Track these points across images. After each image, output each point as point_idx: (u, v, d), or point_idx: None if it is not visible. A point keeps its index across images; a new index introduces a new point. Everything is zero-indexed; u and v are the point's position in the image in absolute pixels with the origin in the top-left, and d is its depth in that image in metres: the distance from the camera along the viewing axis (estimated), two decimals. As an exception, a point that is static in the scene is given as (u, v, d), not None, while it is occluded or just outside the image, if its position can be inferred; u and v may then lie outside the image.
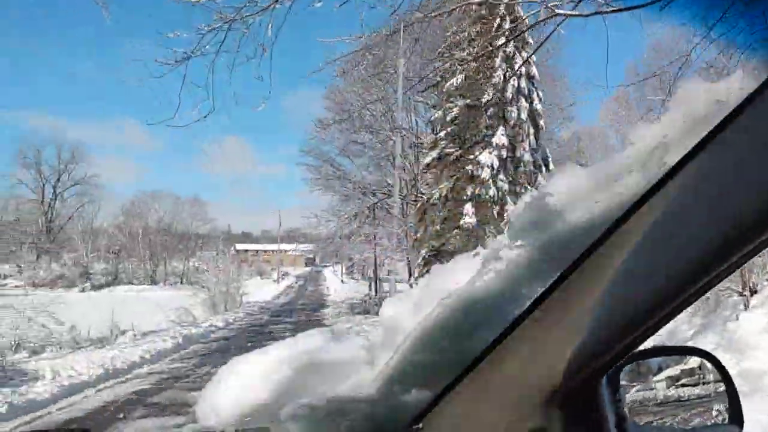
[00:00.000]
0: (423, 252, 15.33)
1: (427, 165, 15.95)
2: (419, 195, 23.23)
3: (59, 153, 74.86)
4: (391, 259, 40.37)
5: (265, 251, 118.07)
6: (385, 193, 26.89)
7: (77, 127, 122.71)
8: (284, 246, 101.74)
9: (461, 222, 14.15)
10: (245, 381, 1.55)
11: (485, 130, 15.17)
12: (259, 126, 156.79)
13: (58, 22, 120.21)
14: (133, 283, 67.34)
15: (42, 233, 72.40)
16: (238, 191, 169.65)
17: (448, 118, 15.40)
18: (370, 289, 56.80)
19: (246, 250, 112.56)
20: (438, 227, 14.77)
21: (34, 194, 74.93)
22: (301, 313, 29.99)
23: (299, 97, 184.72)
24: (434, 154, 15.57)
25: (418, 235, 17.36)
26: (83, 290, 64.94)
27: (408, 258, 31.82)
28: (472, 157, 14.87)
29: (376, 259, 36.46)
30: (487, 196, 14.37)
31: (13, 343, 18.58)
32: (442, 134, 15.66)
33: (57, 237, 73.51)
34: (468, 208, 14.37)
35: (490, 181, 14.54)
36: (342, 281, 65.37)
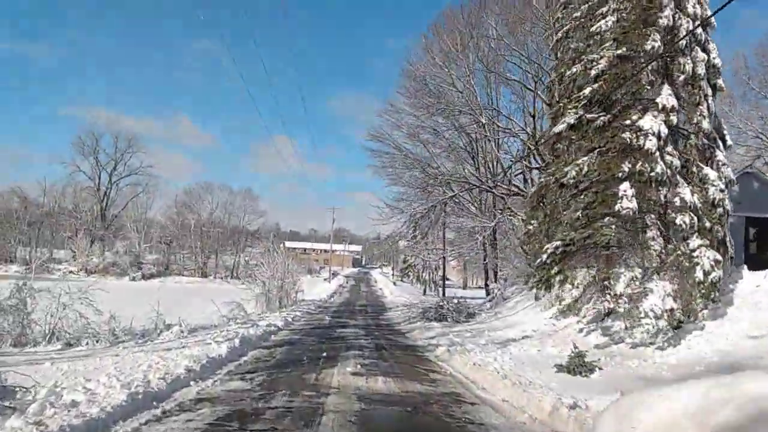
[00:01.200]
0: (548, 246, 11.32)
1: (557, 135, 11.96)
2: (531, 178, 19.24)
3: (116, 142, 73.72)
4: (463, 260, 35.97)
5: (314, 250, 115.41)
6: (464, 183, 22.88)
7: (133, 121, 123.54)
8: (333, 246, 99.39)
9: (616, 207, 10.13)
10: None
11: (648, 87, 11.11)
12: (307, 126, 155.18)
13: (115, 18, 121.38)
14: (183, 275, 65.42)
15: (96, 220, 71.34)
16: (287, 190, 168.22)
17: (593, 73, 11.40)
18: (425, 294, 53.07)
19: (294, 248, 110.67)
20: (579, 214, 10.74)
21: (91, 182, 74.12)
22: (363, 315, 26.32)
23: (348, 99, 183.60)
24: (570, 119, 11.59)
25: (531, 226, 13.33)
26: (134, 279, 63.28)
27: (486, 261, 27.92)
28: (628, 122, 10.81)
29: (445, 262, 32.58)
30: (652, 174, 10.30)
31: (47, 332, 15.72)
32: (583, 94, 11.64)
33: (111, 225, 72.37)
34: (625, 189, 10.31)
35: (657, 153, 10.45)
36: (394, 283, 61.70)
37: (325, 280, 60.90)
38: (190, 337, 15.74)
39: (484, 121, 20.21)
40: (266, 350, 12.57)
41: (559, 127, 12.08)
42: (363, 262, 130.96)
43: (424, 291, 51.31)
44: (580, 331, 14.07)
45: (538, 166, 21.01)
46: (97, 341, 15.81)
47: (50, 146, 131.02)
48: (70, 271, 65.51)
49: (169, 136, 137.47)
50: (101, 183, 74.24)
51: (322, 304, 32.38)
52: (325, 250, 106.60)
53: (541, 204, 13.91)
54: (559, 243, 11.58)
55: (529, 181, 22.63)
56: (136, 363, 9.18)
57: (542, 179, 13.64)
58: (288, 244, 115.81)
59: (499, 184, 21.22)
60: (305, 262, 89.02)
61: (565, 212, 12.85)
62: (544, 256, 12.04)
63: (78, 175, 73.01)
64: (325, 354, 11.65)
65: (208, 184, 69.67)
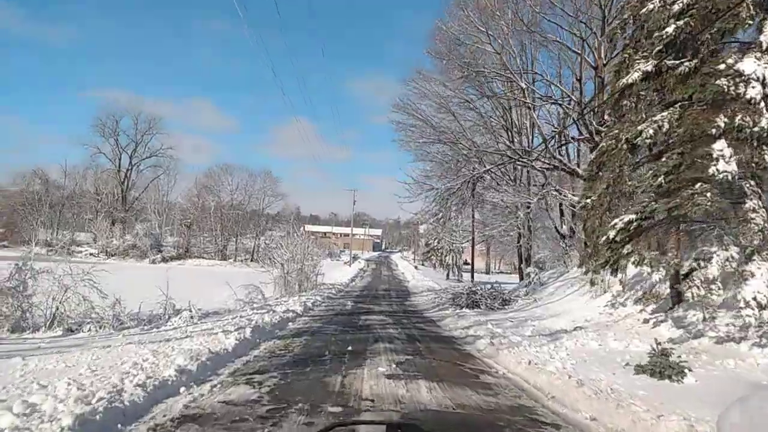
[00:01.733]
0: (617, 221, 9.25)
1: (624, 89, 9.81)
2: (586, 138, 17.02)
3: (136, 123, 72.35)
4: (491, 242, 33.91)
5: (334, 234, 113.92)
6: (499, 156, 20.64)
7: (153, 104, 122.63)
8: (353, 230, 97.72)
9: (710, 171, 7.96)
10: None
11: (749, 22, 8.88)
12: (326, 109, 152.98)
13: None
14: (203, 257, 64.21)
15: (117, 202, 70.44)
16: (307, 174, 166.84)
17: (675, 8, 9.20)
18: (448, 278, 51.09)
19: (314, 232, 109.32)
20: (661, 180, 8.59)
21: (112, 164, 73.11)
22: (388, 300, 24.44)
23: (367, 82, 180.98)
24: (645, 67, 9.40)
25: (589, 200, 11.22)
26: (153, 261, 62.24)
27: (521, 243, 25.80)
28: (722, 67, 8.59)
29: (474, 244, 30.53)
30: (754, 129, 8.13)
31: (47, 317, 14.20)
32: (662, 35, 9.44)
33: (132, 208, 71.44)
34: (721, 148, 8.15)
35: (762, 104, 8.26)
36: (416, 267, 59.81)
37: (345, 263, 59.22)
38: (199, 324, 14.10)
39: (523, 86, 17.92)
40: (282, 341, 10.71)
41: (632, 76, 9.89)
42: (383, 246, 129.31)
43: (447, 275, 49.31)
44: (646, 321, 11.97)
45: (583, 136, 18.73)
46: (100, 327, 14.24)
47: (72, 129, 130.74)
48: (91, 254, 64.74)
49: (190, 120, 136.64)
50: (122, 165, 73.24)
51: (344, 288, 30.60)
52: (346, 234, 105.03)
53: (600, 173, 11.77)
54: (634, 216, 9.45)
55: (575, 152, 20.44)
56: (120, 360, 7.36)
57: (603, 144, 11.46)
58: (308, 227, 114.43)
59: (539, 157, 18.97)
60: (325, 246, 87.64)
61: (630, 182, 10.72)
62: (612, 233, 9.93)
63: (99, 157, 72.08)
64: (350, 348, 9.75)
65: (227, 166, 68.07)
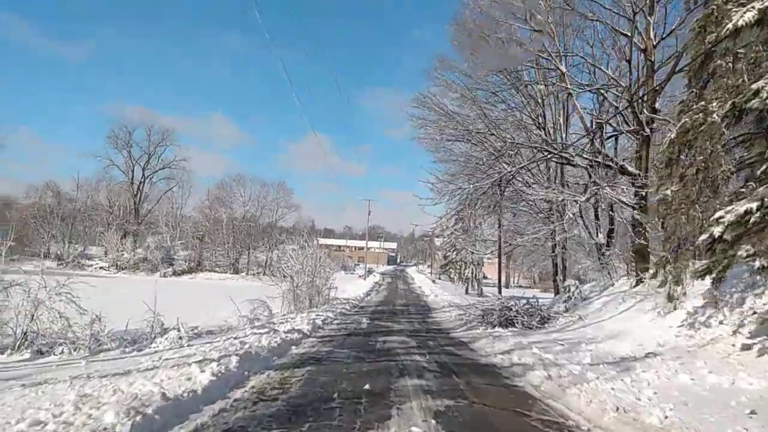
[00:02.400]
0: (723, 215, 6.57)
1: (730, 36, 7.19)
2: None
3: (149, 135, 70.89)
4: (519, 250, 31.06)
5: (348, 247, 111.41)
6: (535, 149, 17.97)
7: (167, 119, 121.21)
8: (368, 243, 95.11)
9: None
10: None
11: None
12: (339, 124, 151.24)
13: (149, 14, 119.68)
14: (215, 271, 61.99)
15: (130, 215, 68.73)
16: (321, 189, 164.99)
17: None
18: (468, 293, 48.18)
19: (329, 246, 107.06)
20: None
21: (125, 176, 71.61)
22: (407, 317, 21.78)
23: (378, 97, 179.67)
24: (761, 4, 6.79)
25: (669, 191, 8.60)
26: (164, 275, 60.09)
27: (555, 255, 22.91)
28: None
29: (500, 254, 27.77)
30: None
31: (18, 336, 12.06)
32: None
33: (144, 220, 69.66)
34: None
35: None
36: (433, 281, 56.99)
37: (360, 277, 56.61)
38: (186, 347, 11.73)
39: (563, 70, 15.36)
40: (278, 374, 8.13)
41: (746, 17, 7.28)
42: (398, 260, 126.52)
43: (466, 290, 46.51)
44: (746, 348, 9.20)
45: (631, 128, 16.08)
46: (74, 349, 11.97)
47: (86, 145, 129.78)
48: (101, 267, 62.93)
49: (205, 136, 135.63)
50: (135, 177, 71.74)
51: (358, 303, 27.99)
52: (360, 248, 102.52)
53: (681, 157, 9.14)
54: (754, 206, 6.79)
55: (613, 147, 17.74)
56: (21, 414, 4.87)
57: (685, 120, 8.82)
58: (322, 241, 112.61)
59: (581, 153, 16.29)
60: (339, 260, 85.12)
61: (724, 165, 8.09)
62: (717, 230, 7.28)
63: (112, 170, 70.66)
64: (367, 386, 7.14)
65: (240, 177, 66.09)
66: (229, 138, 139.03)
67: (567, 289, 18.10)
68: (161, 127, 71.53)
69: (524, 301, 17.54)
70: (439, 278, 62.70)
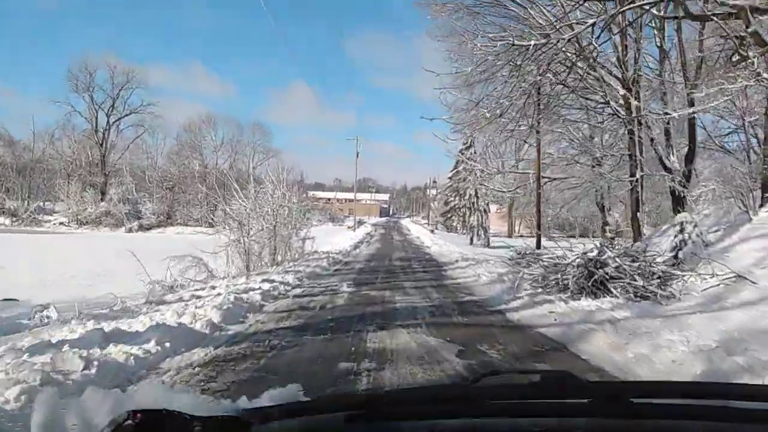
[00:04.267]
0: None
1: None
2: None
3: (112, 76, 61.53)
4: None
5: (338, 200, 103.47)
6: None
7: (146, 69, 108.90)
8: (359, 195, 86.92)
9: None
10: None
11: None
12: (325, 72, 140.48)
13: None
14: (188, 225, 54.27)
15: (96, 167, 60.10)
16: (309, 140, 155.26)
17: None
18: (472, 243, 40.79)
19: (318, 198, 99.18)
20: None
21: (88, 123, 62.66)
22: (413, 279, 14.08)
23: (364, 45, 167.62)
24: None
25: None
26: (130, 230, 52.20)
27: (636, 182, 15.01)
28: None
29: (539, 186, 19.99)
30: None
31: None
32: None
33: (112, 172, 61.05)
34: None
35: None
36: (432, 231, 49.51)
37: (349, 228, 48.89)
38: (54, 347, 3.65)
39: None
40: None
41: None
42: (390, 212, 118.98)
43: (471, 240, 39.02)
44: None
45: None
46: None
47: (45, 93, 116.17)
48: (61, 223, 54.92)
49: (182, 85, 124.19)
50: (99, 125, 62.81)
51: (343, 259, 20.30)
52: (350, 200, 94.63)
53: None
54: None
55: None
56: None
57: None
58: (313, 194, 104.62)
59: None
60: (327, 211, 77.36)
61: None
62: None
63: (74, 117, 61.66)
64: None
65: (210, 117, 57.01)
66: (210, 89, 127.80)
67: (681, 228, 10.45)
68: (125, 68, 61.52)
69: (623, 249, 9.93)
70: (436, 228, 55.30)
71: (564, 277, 9.51)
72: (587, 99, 15.71)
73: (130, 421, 0.97)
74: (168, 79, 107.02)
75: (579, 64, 13.28)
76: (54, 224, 54.03)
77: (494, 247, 36.01)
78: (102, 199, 54.79)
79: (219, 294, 8.80)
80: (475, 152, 29.07)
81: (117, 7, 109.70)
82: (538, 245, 18.24)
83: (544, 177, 22.51)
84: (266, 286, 9.89)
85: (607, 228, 22.46)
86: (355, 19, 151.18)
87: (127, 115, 63.11)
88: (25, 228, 50.38)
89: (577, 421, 1.10)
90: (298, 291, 10.55)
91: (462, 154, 42.81)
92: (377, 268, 16.72)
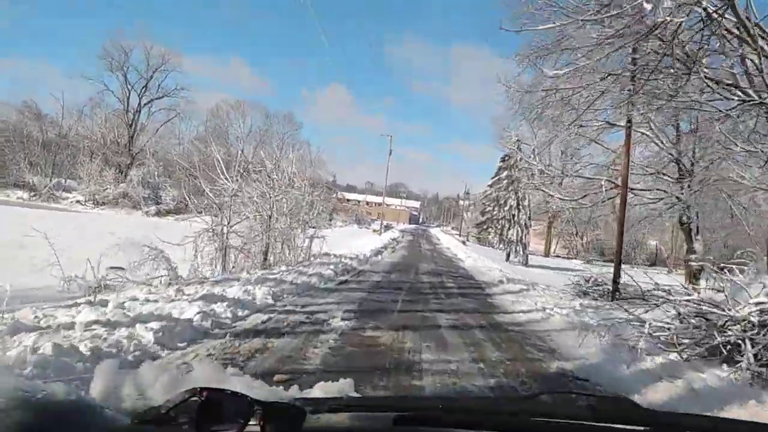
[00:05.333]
0: None
1: None
2: None
3: (147, 57, 58.72)
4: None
5: (368, 203, 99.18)
6: None
7: (185, 59, 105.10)
8: (388, 200, 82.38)
9: None
10: None
11: None
12: (360, 76, 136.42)
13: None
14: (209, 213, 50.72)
15: (124, 148, 57.21)
16: (342, 141, 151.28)
17: None
18: (509, 260, 35.77)
19: (347, 199, 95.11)
20: None
21: (120, 103, 60.03)
22: (449, 303, 9.49)
23: (403, 50, 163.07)
24: None
25: None
26: (147, 214, 48.99)
27: None
28: None
29: (625, 186, 15.10)
30: None
31: None
32: None
33: (139, 154, 58.03)
34: None
35: None
36: (464, 243, 44.62)
37: (375, 231, 44.37)
38: None
39: None
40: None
41: None
42: (420, 220, 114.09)
43: (508, 256, 34.09)
44: None
45: None
46: None
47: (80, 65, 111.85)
48: (78, 201, 52.01)
49: (219, 77, 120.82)
50: (130, 106, 60.19)
51: (356, 266, 15.72)
52: (379, 203, 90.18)
53: None
54: None
55: None
56: None
57: None
58: (344, 194, 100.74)
59: None
60: (354, 213, 73.12)
61: None
62: None
63: (107, 96, 59.12)
64: None
65: (240, 102, 53.34)
66: (247, 83, 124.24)
67: None
68: (161, 50, 58.66)
69: None
70: (467, 241, 50.30)
71: (752, 343, 4.79)
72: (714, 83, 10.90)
73: (196, 398, 0.98)
74: (205, 70, 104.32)
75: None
76: (71, 202, 51.15)
77: (533, 267, 30.99)
78: (122, 181, 51.72)
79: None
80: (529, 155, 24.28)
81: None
82: (618, 273, 13.36)
83: (617, 185, 17.60)
84: (191, 312, 5.44)
85: (693, 257, 17.36)
86: (393, 24, 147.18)
87: (159, 98, 60.39)
88: (41, 204, 47.64)
89: None
90: (248, 325, 6.00)
91: (505, 161, 38.01)
92: (398, 285, 12.09)
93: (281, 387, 1.44)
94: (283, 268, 11.89)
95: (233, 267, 11.93)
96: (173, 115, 59.69)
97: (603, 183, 17.37)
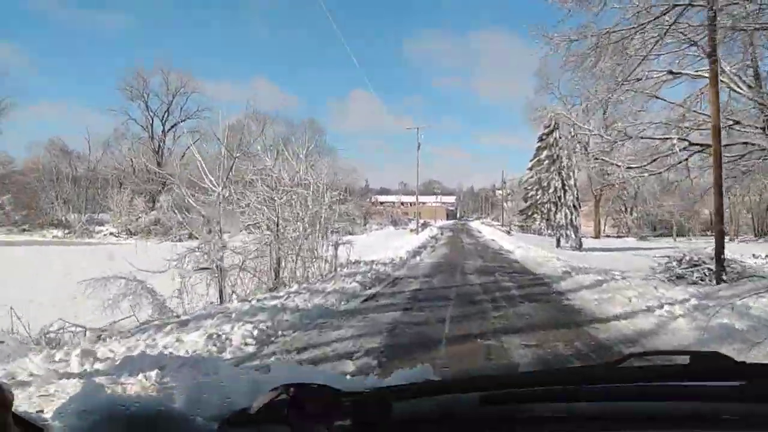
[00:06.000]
0: None
1: None
2: None
3: (166, 80, 57.68)
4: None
5: (402, 203, 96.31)
6: None
7: (208, 84, 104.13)
8: (422, 198, 79.25)
9: None
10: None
11: None
12: (383, 78, 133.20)
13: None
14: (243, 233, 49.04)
15: (154, 175, 56.35)
16: (372, 145, 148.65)
17: None
18: (559, 245, 32.36)
19: (381, 202, 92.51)
20: None
21: (144, 131, 59.39)
22: (515, 314, 6.67)
23: (423, 45, 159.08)
24: None
25: None
26: (180, 239, 47.77)
27: None
28: None
29: (718, 140, 11.93)
30: None
31: None
32: None
33: (167, 180, 57.10)
34: None
35: None
36: (508, 232, 41.33)
37: (411, 231, 41.54)
38: None
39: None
40: None
41: None
42: (458, 215, 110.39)
43: (557, 242, 30.69)
44: None
45: None
46: None
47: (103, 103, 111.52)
48: (111, 233, 51.16)
49: (246, 98, 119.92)
50: (154, 132, 59.52)
51: (389, 272, 12.93)
52: (414, 203, 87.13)
53: None
54: None
55: None
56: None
57: None
58: (378, 197, 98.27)
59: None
60: (389, 215, 70.47)
61: None
62: None
63: (132, 126, 58.52)
64: None
65: (259, 117, 51.15)
66: (274, 102, 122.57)
67: None
68: (180, 75, 57.55)
69: None
70: (510, 231, 46.86)
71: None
72: None
73: (284, 395, 0.98)
74: (228, 92, 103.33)
75: None
76: (104, 235, 50.34)
77: (588, 250, 27.59)
78: (152, 208, 50.62)
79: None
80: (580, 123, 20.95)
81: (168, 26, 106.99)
82: (722, 248, 10.14)
83: (692, 143, 14.33)
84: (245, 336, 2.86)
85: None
86: (414, 20, 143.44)
87: (182, 121, 59.34)
88: (75, 240, 47.00)
89: (730, 406, 1.03)
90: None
91: (543, 140, 34.63)
92: (443, 294, 9.26)
93: (362, 376, 1.49)
94: (294, 287, 9.27)
95: (232, 293, 9.39)
96: (197, 138, 58.43)
97: (675, 142, 14.12)
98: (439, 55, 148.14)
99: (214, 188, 9.72)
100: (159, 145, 59.02)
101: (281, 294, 8.30)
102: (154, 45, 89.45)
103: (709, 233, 49.73)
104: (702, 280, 10.36)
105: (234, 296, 9.20)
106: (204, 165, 10.05)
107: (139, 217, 50.69)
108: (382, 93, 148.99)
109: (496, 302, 8.15)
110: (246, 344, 4.99)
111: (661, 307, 7.07)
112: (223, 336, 5.03)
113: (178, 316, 6.87)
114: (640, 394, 1.05)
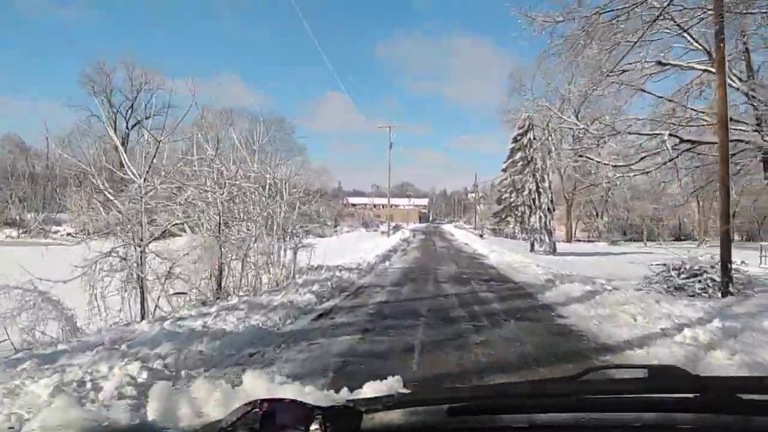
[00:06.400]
0: None
1: None
2: None
3: (130, 76, 54.90)
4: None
5: (375, 205, 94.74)
6: None
7: (177, 83, 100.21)
8: (395, 200, 77.82)
9: None
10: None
11: None
12: (357, 80, 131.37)
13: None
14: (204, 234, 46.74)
15: (108, 172, 53.60)
16: (345, 149, 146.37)
17: None
18: (533, 249, 31.24)
19: (354, 204, 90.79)
20: None
21: (107, 128, 56.47)
22: (510, 351, 5.18)
23: (396, 48, 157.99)
24: None
25: None
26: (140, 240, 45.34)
27: None
28: None
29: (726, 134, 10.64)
30: None
31: None
32: None
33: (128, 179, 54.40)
34: None
35: None
36: (481, 236, 40.16)
37: (383, 233, 40.00)
38: None
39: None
40: None
41: None
42: (430, 217, 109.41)
43: (532, 246, 29.59)
44: None
45: None
46: None
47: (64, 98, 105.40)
48: (69, 234, 48.28)
49: (216, 98, 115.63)
50: (117, 129, 56.52)
51: (354, 279, 11.35)
52: (386, 205, 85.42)
53: None
54: None
55: None
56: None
57: None
58: (351, 199, 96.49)
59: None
60: (360, 217, 68.80)
61: None
62: None
63: (95, 123, 55.44)
64: None
65: (226, 112, 48.67)
66: (244, 100, 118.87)
67: None
68: (144, 69, 54.83)
69: None
70: (483, 235, 45.74)
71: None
72: None
73: (257, 410, 0.98)
74: (199, 91, 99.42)
75: None
76: (61, 235, 47.38)
77: (562, 255, 26.48)
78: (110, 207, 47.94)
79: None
80: (544, 132, 19.68)
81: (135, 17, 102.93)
82: (728, 256, 8.84)
83: (683, 140, 13.19)
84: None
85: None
86: (387, 23, 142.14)
87: (146, 118, 56.49)
88: (29, 241, 44.11)
89: (684, 417, 1.05)
90: None
91: (517, 140, 33.48)
92: (413, 308, 7.70)
93: (332, 391, 1.44)
94: (234, 300, 7.60)
95: (155, 308, 7.67)
96: (162, 138, 55.87)
97: (665, 138, 12.93)
98: (412, 58, 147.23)
99: (135, 179, 7.94)
100: (124, 142, 56.18)
101: (212, 310, 6.63)
102: (118, 40, 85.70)
103: (683, 238, 49.59)
104: (705, 292, 9.08)
105: (156, 311, 7.49)
106: (124, 153, 8.28)
107: (97, 218, 47.94)
108: (355, 95, 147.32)
109: (476, 320, 6.63)
110: (121, 395, 3.34)
111: (680, 330, 5.66)
112: (89, 384, 3.38)
113: (55, 344, 5.13)
114: (601, 405, 1.06)
